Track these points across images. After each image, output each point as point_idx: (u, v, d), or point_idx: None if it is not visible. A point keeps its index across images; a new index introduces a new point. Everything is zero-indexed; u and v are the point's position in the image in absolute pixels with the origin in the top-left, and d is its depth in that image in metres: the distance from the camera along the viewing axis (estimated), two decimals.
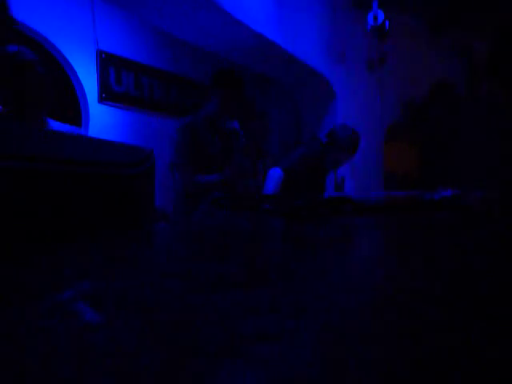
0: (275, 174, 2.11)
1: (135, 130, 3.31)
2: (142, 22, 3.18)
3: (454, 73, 4.96)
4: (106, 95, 3.10)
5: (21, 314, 0.25)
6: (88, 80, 2.99)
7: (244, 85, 2.04)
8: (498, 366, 0.17)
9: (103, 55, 3.09)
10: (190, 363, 0.18)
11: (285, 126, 4.40)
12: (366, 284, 0.31)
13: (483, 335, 0.20)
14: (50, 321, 0.23)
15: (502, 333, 0.21)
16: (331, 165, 2.41)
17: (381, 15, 3.61)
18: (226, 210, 0.84)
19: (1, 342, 0.21)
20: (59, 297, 0.27)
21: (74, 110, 2.94)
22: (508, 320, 0.22)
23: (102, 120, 3.06)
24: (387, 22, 3.61)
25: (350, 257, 0.44)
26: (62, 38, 2.81)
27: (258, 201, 0.86)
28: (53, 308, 0.25)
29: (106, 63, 3.12)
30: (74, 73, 2.92)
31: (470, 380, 0.16)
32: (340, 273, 0.35)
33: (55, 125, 1.60)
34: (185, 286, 0.30)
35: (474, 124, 5.13)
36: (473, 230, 0.64)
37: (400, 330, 0.21)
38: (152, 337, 0.21)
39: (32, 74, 1.42)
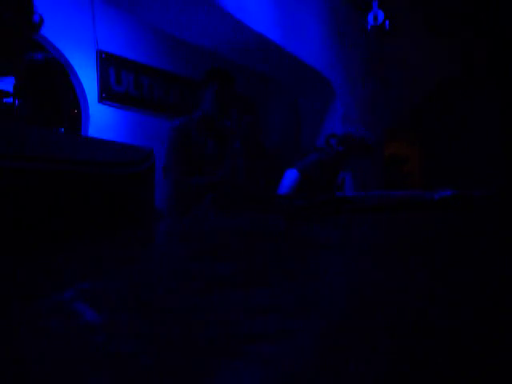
0: (292, 175, 2.12)
1: (135, 130, 3.30)
2: (142, 22, 3.17)
3: (454, 73, 4.96)
4: (106, 95, 3.10)
5: (20, 313, 0.25)
6: (88, 80, 2.99)
7: (234, 80, 2.09)
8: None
9: (103, 55, 3.08)
10: (190, 362, 0.18)
11: (285, 126, 4.39)
12: (365, 284, 0.31)
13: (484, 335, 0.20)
14: (50, 321, 0.23)
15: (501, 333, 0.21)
16: (347, 169, 2.42)
17: (381, 15, 3.61)
18: (226, 209, 0.84)
19: (1, 341, 0.21)
20: (59, 296, 0.27)
21: (73, 109, 2.94)
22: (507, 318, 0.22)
23: (102, 120, 3.06)
24: (387, 22, 3.61)
25: (349, 256, 0.44)
26: (62, 38, 2.80)
27: (257, 200, 0.86)
28: (52, 308, 0.25)
29: (106, 63, 3.11)
30: (74, 73, 2.92)
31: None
32: (338, 272, 0.35)
33: None
34: (185, 285, 0.30)
35: (474, 124, 5.13)
36: (472, 229, 0.64)
37: (397, 329, 0.21)
38: (151, 336, 0.21)
39: (61, 81, 1.41)
